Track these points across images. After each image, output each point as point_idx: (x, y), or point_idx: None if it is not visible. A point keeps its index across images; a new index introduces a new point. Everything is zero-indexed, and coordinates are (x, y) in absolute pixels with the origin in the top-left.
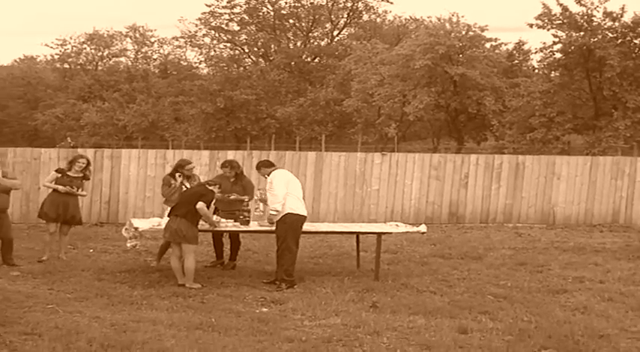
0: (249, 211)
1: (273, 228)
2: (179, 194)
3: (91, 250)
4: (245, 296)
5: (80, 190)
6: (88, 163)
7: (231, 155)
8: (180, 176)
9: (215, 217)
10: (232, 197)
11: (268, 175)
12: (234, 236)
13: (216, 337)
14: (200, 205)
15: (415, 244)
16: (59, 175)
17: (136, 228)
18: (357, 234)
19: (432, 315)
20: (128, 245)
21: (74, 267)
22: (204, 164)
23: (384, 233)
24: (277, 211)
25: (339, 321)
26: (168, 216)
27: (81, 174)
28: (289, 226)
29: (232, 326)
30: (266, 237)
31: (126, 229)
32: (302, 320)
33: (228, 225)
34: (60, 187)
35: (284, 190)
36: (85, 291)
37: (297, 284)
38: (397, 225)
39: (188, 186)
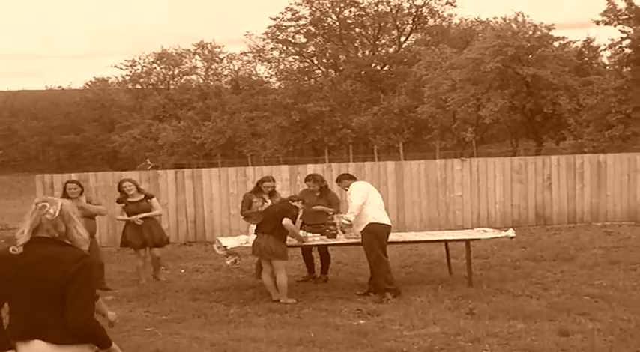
0: (335, 224)
1: (359, 239)
2: (263, 210)
3: (183, 270)
4: (341, 309)
5: (152, 210)
6: (136, 184)
7: (310, 169)
8: (262, 198)
9: (302, 232)
10: (317, 208)
11: (348, 187)
12: (323, 249)
13: None
14: (286, 221)
15: (505, 248)
16: (124, 205)
17: (225, 247)
18: (446, 241)
19: (530, 319)
20: (228, 262)
21: (168, 288)
22: (284, 179)
23: (473, 239)
24: (349, 221)
25: (438, 330)
26: (255, 233)
27: (142, 196)
28: (374, 235)
29: (332, 340)
30: (355, 249)
31: (218, 247)
32: (401, 330)
33: (315, 239)
34: (135, 219)
35: (360, 201)
36: (181, 312)
37: (401, 292)
38: (485, 231)
39: (269, 202)
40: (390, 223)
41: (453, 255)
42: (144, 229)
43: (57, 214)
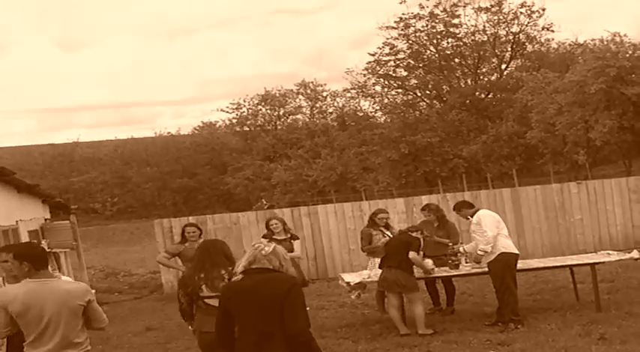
0: (456, 254)
1: (485, 269)
2: (384, 244)
3: (308, 308)
4: (470, 340)
5: (293, 251)
6: (283, 223)
7: (425, 200)
8: (381, 231)
9: (427, 262)
10: (437, 239)
11: (471, 216)
12: (447, 280)
13: None
14: (412, 254)
15: (630, 270)
16: (267, 240)
17: (348, 283)
18: (571, 266)
19: None
20: (352, 296)
21: None
22: (400, 212)
23: (598, 263)
24: (486, 252)
25: None
26: (380, 267)
27: (288, 235)
28: (505, 265)
29: None
30: (479, 279)
31: (345, 283)
32: None
33: (439, 271)
34: None
35: (495, 231)
36: None
37: (524, 323)
38: (609, 254)
39: (389, 234)
40: (517, 252)
41: (579, 280)
42: None
43: (270, 251)
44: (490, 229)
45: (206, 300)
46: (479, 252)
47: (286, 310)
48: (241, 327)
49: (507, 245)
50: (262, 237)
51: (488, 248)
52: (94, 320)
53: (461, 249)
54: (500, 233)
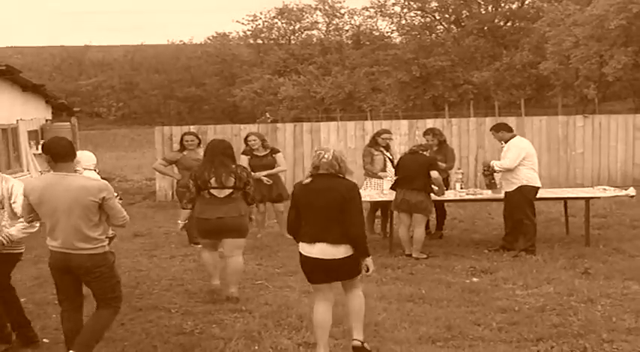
0: (490, 172)
1: (480, 196)
2: (397, 165)
3: None
4: (454, 266)
5: (276, 165)
6: (262, 139)
7: (430, 123)
8: (381, 151)
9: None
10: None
11: (505, 142)
12: (439, 205)
13: (427, 309)
14: (435, 174)
15: (624, 207)
16: (249, 157)
17: None
18: (565, 199)
19: None
20: None
21: (281, 241)
22: (403, 133)
23: (593, 198)
24: (496, 172)
25: (551, 290)
26: (393, 188)
27: (268, 151)
28: (524, 198)
29: (443, 297)
30: (472, 205)
31: None
32: (513, 289)
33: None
34: (263, 178)
35: (514, 163)
36: (293, 266)
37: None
38: (605, 189)
39: (389, 155)
40: (540, 185)
41: (572, 214)
42: (262, 184)
43: (330, 157)
44: (510, 160)
45: (211, 191)
46: (496, 166)
47: (346, 214)
48: (307, 219)
49: (530, 178)
50: (242, 154)
51: (499, 168)
52: (112, 217)
53: (492, 164)
54: (525, 164)
